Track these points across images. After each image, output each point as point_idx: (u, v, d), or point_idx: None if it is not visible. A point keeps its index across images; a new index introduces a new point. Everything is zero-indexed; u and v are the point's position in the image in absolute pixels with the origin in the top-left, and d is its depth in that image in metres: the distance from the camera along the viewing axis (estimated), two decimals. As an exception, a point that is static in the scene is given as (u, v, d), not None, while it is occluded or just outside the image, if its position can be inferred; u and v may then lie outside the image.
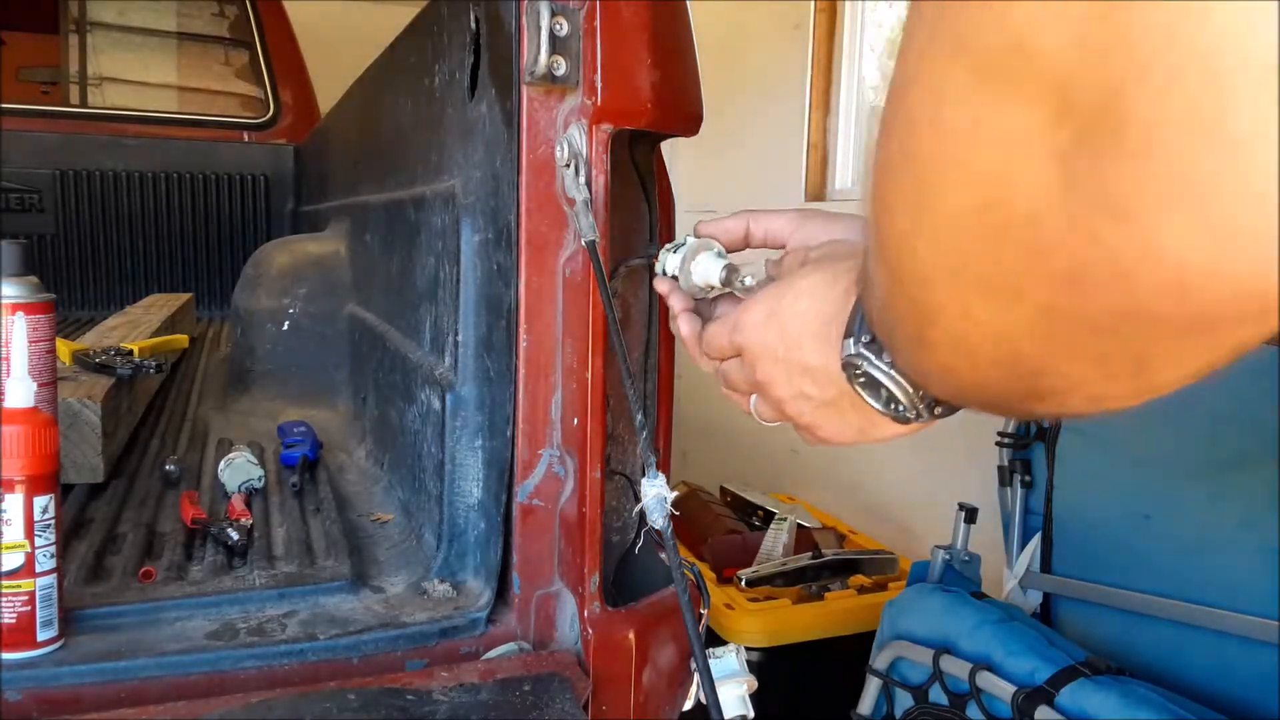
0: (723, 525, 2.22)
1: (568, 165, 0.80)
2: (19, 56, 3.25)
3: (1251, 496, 1.31)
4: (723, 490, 2.49)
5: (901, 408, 0.51)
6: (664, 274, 0.75)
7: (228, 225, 2.78)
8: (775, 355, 0.60)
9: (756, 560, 2.03)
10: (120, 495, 1.14)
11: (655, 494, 0.69)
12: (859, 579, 2.01)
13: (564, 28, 0.78)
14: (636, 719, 0.85)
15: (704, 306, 0.73)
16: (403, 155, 1.26)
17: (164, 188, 2.72)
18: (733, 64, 3.26)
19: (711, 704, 0.68)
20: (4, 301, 0.84)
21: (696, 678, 0.77)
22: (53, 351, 0.90)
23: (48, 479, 0.73)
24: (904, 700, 1.54)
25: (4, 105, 2.58)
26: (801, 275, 0.60)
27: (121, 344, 1.44)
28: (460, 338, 0.89)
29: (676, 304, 0.74)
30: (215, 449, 1.37)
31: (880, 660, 1.58)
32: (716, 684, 0.73)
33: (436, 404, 0.94)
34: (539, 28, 0.77)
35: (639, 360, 0.91)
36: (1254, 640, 1.29)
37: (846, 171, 3.07)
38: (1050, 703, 1.27)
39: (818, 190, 3.04)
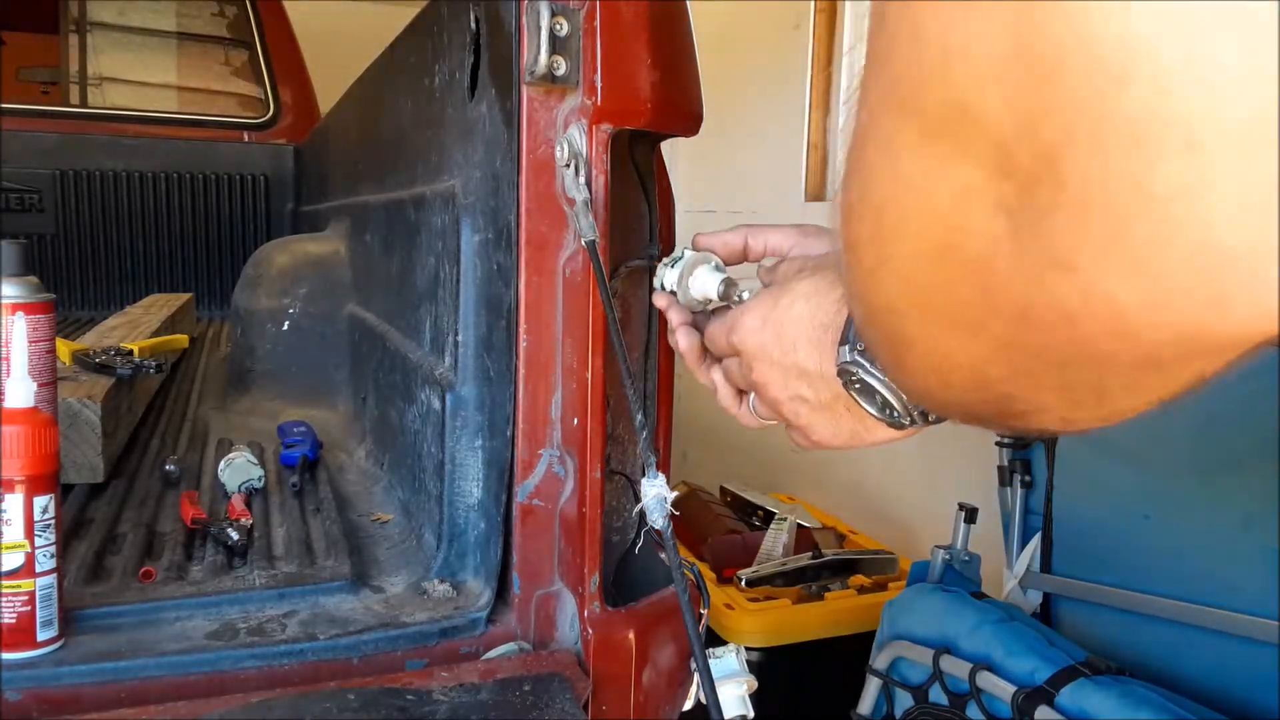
0: (723, 525, 2.22)
1: (568, 165, 0.80)
2: (19, 56, 3.25)
3: (1251, 496, 1.31)
4: (723, 490, 2.49)
5: (896, 413, 0.53)
6: (662, 288, 0.76)
7: (228, 225, 2.78)
8: (771, 358, 0.61)
9: (756, 560, 2.03)
10: (120, 495, 1.14)
11: (655, 494, 0.69)
12: (859, 579, 2.01)
13: (564, 28, 0.78)
14: (636, 719, 0.85)
15: (702, 319, 0.74)
16: (403, 155, 1.26)
17: (164, 188, 2.72)
18: (733, 64, 3.26)
19: (711, 704, 0.68)
20: (4, 301, 0.84)
21: (696, 678, 0.77)
22: (53, 351, 0.90)
23: (48, 479, 0.73)
24: (904, 700, 1.54)
25: (4, 105, 2.58)
26: (798, 280, 0.61)
27: (121, 344, 1.44)
28: (460, 338, 0.89)
29: (675, 318, 0.75)
30: (215, 449, 1.37)
31: (880, 660, 1.58)
32: (716, 684, 0.73)
33: (436, 404, 0.94)
34: (539, 28, 0.77)
35: (639, 360, 0.91)
36: (1254, 640, 1.29)
37: (846, 172, 3.06)
38: (1050, 702, 1.27)
39: (818, 190, 3.03)
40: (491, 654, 0.83)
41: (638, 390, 0.88)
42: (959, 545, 1.66)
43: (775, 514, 2.24)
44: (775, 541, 2.09)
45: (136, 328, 1.71)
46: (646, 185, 0.92)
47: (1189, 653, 1.39)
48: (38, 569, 0.72)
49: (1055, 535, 1.63)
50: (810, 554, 2.05)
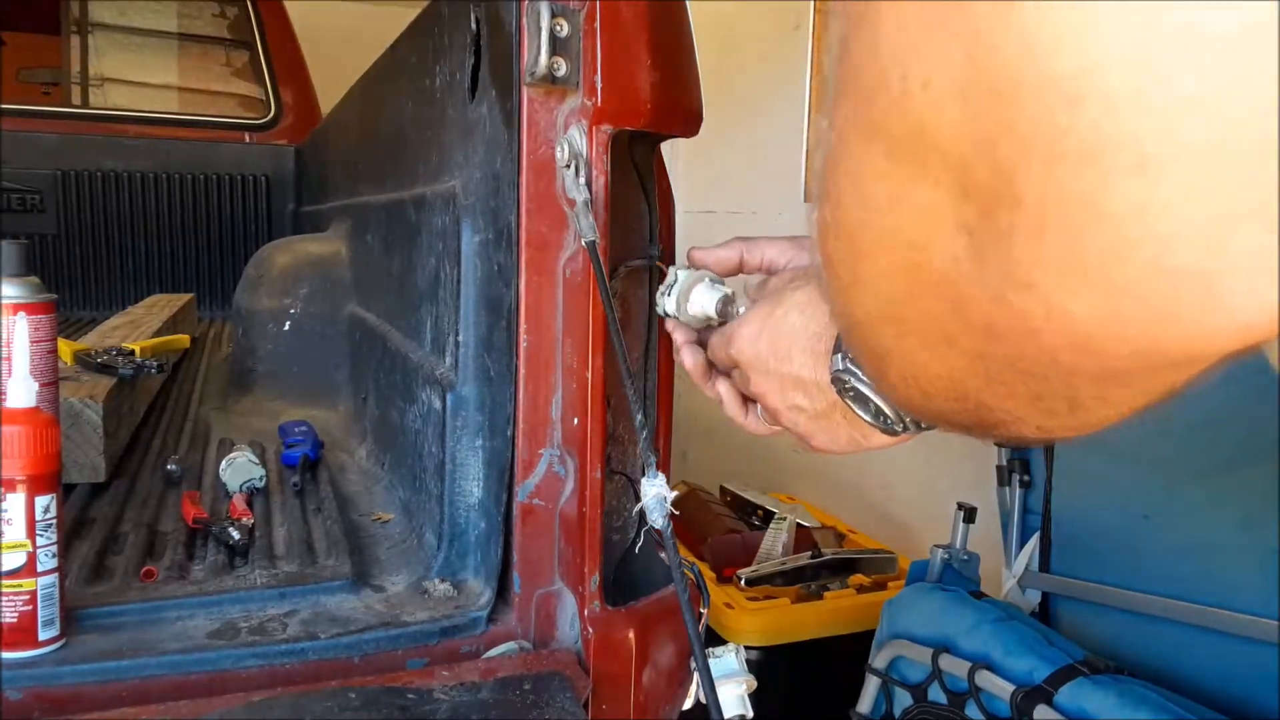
0: (722, 525, 2.22)
1: (568, 166, 0.80)
2: (20, 57, 3.25)
3: (1251, 496, 1.31)
4: (723, 490, 2.49)
5: (889, 420, 0.53)
6: (665, 314, 0.77)
7: (229, 226, 2.78)
8: (767, 368, 0.63)
9: (756, 559, 2.03)
10: (122, 495, 1.14)
11: (655, 494, 0.69)
12: (858, 578, 2.01)
13: (564, 29, 0.78)
14: (636, 718, 0.85)
15: (707, 335, 0.75)
16: (403, 156, 1.26)
17: (165, 188, 2.72)
18: (733, 64, 3.26)
19: (711, 703, 0.68)
20: (5, 302, 0.84)
21: (696, 677, 0.77)
22: (54, 351, 0.91)
23: (49, 479, 0.73)
24: (903, 699, 1.54)
25: (5, 106, 2.58)
26: (792, 291, 0.62)
27: (123, 344, 1.44)
28: (461, 338, 0.89)
29: (679, 337, 0.77)
30: (216, 449, 1.37)
31: (879, 659, 1.58)
32: (716, 683, 0.73)
33: (437, 404, 0.94)
34: (539, 29, 0.77)
35: (639, 360, 0.91)
36: (1254, 640, 1.29)
37: (846, 172, 3.06)
38: (1049, 702, 1.27)
39: (818, 190, 3.03)
40: (492, 653, 0.83)
41: (638, 390, 0.88)
42: (958, 544, 1.66)
43: (775, 513, 2.24)
44: (775, 541, 2.09)
45: (138, 328, 1.71)
46: (646, 186, 0.92)
47: (1188, 652, 1.39)
48: (39, 568, 0.72)
49: (1054, 534, 1.63)
50: (810, 553, 2.05)
